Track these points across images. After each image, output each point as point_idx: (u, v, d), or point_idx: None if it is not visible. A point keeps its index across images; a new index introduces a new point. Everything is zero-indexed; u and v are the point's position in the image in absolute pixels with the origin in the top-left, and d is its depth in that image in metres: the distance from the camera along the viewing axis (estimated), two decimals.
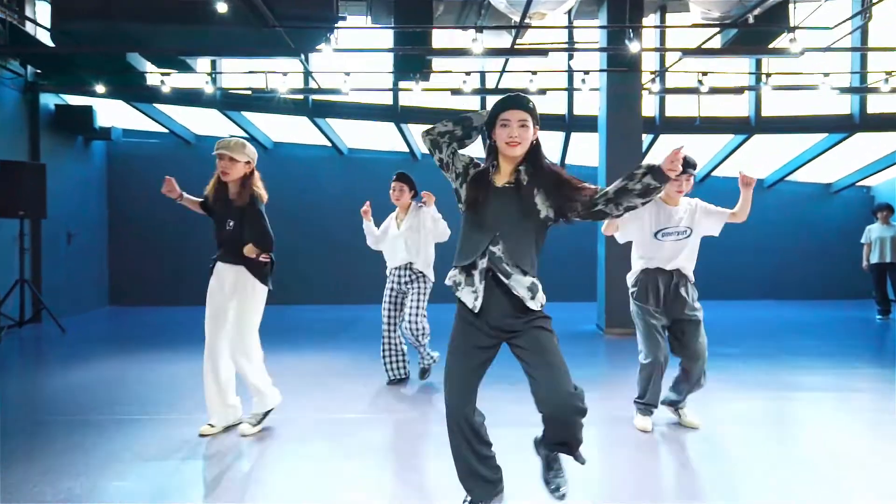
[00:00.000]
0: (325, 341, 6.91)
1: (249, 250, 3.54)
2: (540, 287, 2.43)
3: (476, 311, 2.39)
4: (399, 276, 4.67)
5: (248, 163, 3.55)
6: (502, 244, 2.38)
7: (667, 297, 3.65)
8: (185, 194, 3.75)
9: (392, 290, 4.73)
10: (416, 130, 9.82)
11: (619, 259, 6.69)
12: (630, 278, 3.80)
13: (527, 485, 2.76)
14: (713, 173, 10.51)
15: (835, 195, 11.01)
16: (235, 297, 3.56)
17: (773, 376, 5.15)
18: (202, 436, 3.53)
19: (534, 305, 2.39)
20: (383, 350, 4.79)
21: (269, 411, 3.69)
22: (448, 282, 2.50)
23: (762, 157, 10.64)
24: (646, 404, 3.74)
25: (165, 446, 3.39)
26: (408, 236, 4.58)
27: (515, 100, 2.46)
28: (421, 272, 4.63)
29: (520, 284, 2.37)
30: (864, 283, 9.19)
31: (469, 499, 2.48)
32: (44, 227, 8.01)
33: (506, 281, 2.37)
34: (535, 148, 2.47)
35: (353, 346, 6.53)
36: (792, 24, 5.63)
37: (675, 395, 3.80)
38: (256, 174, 3.63)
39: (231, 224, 3.55)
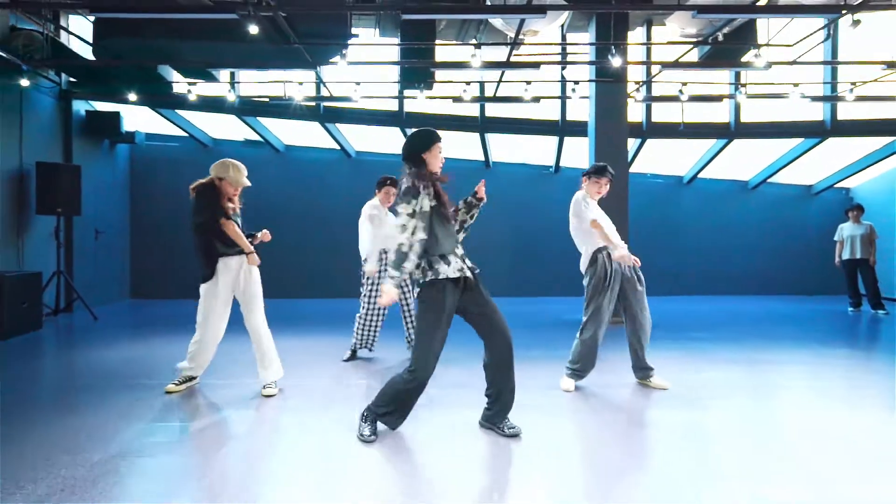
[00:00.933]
0: (332, 329, 7.50)
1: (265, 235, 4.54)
2: None
3: (464, 278, 3.31)
4: None
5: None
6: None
7: (619, 272, 4.37)
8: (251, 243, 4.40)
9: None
10: None
11: None
12: (586, 262, 4.46)
13: (527, 480, 3.39)
14: (699, 175, 11.15)
15: (815, 196, 11.63)
16: (248, 282, 4.28)
17: (741, 354, 5.77)
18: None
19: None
20: (376, 326, 5.40)
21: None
22: (431, 276, 3.25)
23: (746, 160, 11.28)
24: (580, 371, 4.43)
25: (199, 402, 4.03)
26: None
27: (439, 134, 3.41)
28: None
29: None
30: (841, 278, 9.77)
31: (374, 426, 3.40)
32: (75, 223, 8.66)
33: (467, 266, 3.37)
34: None
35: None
36: (759, 41, 6.26)
37: (638, 362, 4.48)
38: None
39: (239, 220, 4.41)
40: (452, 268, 3.25)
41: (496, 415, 3.45)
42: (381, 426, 3.47)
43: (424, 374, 3.24)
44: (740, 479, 2.85)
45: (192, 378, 4.41)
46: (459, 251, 3.37)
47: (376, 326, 5.42)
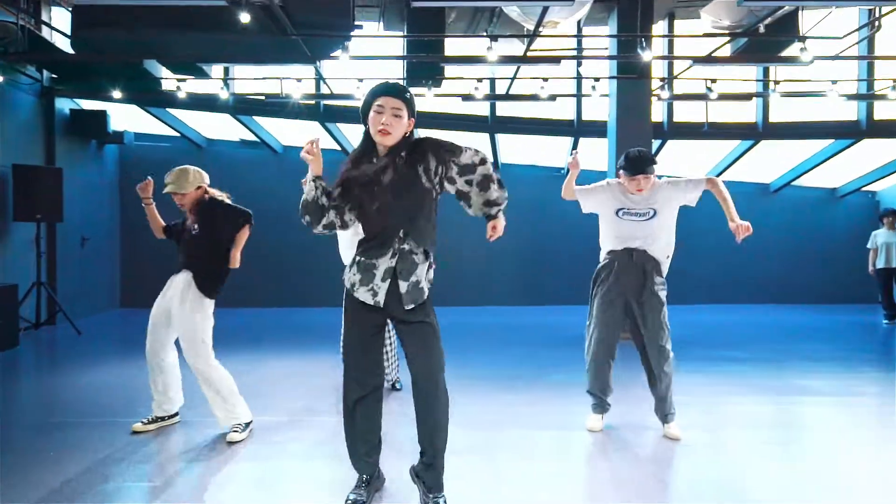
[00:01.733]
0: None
1: (235, 259, 3.73)
2: (432, 267, 2.60)
3: (380, 307, 2.53)
4: None
5: (198, 188, 3.69)
6: (410, 237, 2.49)
7: (627, 276, 3.57)
8: (154, 206, 3.91)
9: None
10: (425, 135, 9.93)
11: None
12: (600, 260, 3.75)
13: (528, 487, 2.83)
14: (719, 178, 10.59)
15: (840, 200, 11.07)
16: (184, 306, 3.59)
17: (781, 381, 5.21)
18: (135, 433, 3.67)
19: (426, 294, 2.56)
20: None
21: (249, 423, 3.71)
22: (347, 284, 2.60)
23: (768, 162, 10.72)
24: (594, 395, 3.73)
25: (185, 446, 3.48)
26: None
27: (392, 87, 2.52)
28: None
29: (422, 275, 2.53)
30: (869, 287, 9.23)
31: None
32: (58, 230, 8.10)
33: (404, 283, 2.50)
34: (407, 139, 2.53)
35: None
36: (801, 34, 5.71)
37: (655, 399, 3.67)
38: (211, 190, 3.77)
39: (196, 227, 3.69)
40: (363, 290, 2.54)
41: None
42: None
43: (345, 396, 2.67)
44: None
45: (162, 418, 3.81)
46: (383, 261, 2.50)
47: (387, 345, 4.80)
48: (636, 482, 3.07)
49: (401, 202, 2.48)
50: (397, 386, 4.77)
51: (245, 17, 4.33)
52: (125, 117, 9.41)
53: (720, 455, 3.45)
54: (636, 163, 3.50)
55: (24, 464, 3.23)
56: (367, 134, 2.57)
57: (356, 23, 5.67)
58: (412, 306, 2.52)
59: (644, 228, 3.57)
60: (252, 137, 9.79)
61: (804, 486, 3.03)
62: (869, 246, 8.77)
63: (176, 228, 3.90)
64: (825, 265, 10.81)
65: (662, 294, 3.60)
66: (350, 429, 2.69)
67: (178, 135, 9.83)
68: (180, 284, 3.67)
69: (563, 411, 4.19)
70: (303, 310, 9.65)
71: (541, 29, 5.70)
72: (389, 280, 2.51)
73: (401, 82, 7.85)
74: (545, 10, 5.23)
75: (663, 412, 3.67)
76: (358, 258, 2.59)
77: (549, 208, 10.37)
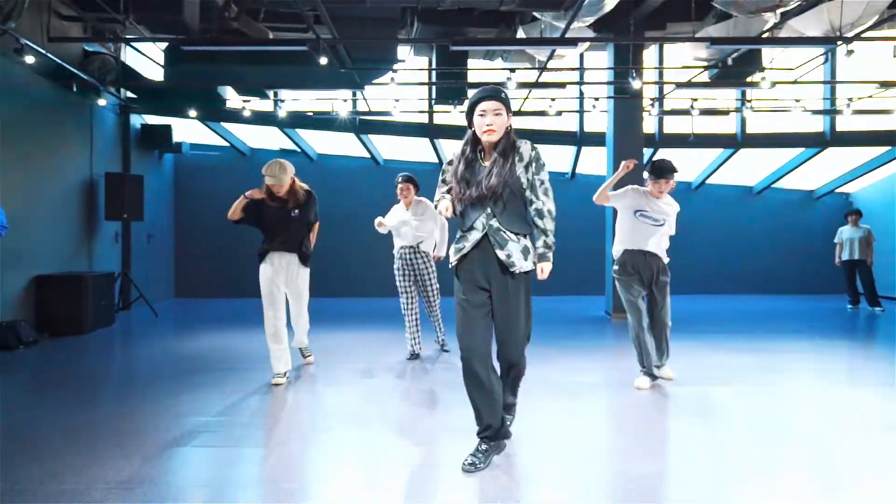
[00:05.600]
0: (363, 325, 8.22)
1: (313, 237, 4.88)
2: (532, 248, 2.97)
3: (464, 259, 2.92)
4: (407, 254, 5.62)
5: (291, 178, 4.57)
6: (497, 217, 2.86)
7: (643, 270, 4.50)
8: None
9: (400, 267, 5.64)
10: (446, 145, 11.21)
11: None
12: (615, 255, 4.64)
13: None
14: (707, 181, 11.85)
15: (817, 201, 12.30)
16: (293, 282, 4.69)
17: (758, 344, 6.45)
18: (276, 385, 4.59)
19: (527, 266, 2.91)
20: (409, 325, 5.63)
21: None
22: (452, 258, 2.99)
23: (751, 167, 11.99)
24: (644, 367, 4.56)
25: (252, 387, 4.76)
26: (416, 224, 5.58)
27: (490, 91, 2.85)
28: (425, 252, 5.66)
29: (514, 250, 2.88)
30: (841, 278, 10.41)
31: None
32: (132, 228, 9.39)
33: (498, 251, 2.87)
34: (508, 133, 2.89)
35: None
36: (764, 65, 6.98)
37: (655, 344, 4.60)
38: (296, 180, 4.66)
39: (297, 212, 4.62)
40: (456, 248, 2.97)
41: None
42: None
43: (464, 355, 2.93)
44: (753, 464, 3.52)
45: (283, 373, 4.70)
46: (481, 224, 2.88)
47: (410, 322, 5.65)
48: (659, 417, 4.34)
49: (500, 202, 2.86)
50: (416, 351, 5.67)
51: (324, 60, 5.60)
52: (182, 129, 10.72)
53: (704, 407, 4.69)
54: (661, 169, 4.39)
55: (205, 391, 4.51)
56: (473, 136, 2.93)
57: (400, 58, 6.94)
58: (522, 257, 2.90)
59: (653, 232, 4.48)
60: (291, 146, 11.10)
61: (782, 411, 4.29)
62: (835, 241, 9.98)
63: (255, 210, 4.55)
64: (803, 259, 12.03)
65: (667, 282, 4.61)
66: (467, 387, 3.01)
67: (226, 144, 11.14)
68: (286, 265, 4.67)
69: (585, 358, 5.46)
70: (332, 299, 10.91)
71: (549, 62, 6.97)
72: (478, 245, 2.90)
73: (426, 101, 9.13)
74: (554, 49, 6.50)
75: (661, 356, 4.62)
76: (458, 235, 3.01)
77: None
